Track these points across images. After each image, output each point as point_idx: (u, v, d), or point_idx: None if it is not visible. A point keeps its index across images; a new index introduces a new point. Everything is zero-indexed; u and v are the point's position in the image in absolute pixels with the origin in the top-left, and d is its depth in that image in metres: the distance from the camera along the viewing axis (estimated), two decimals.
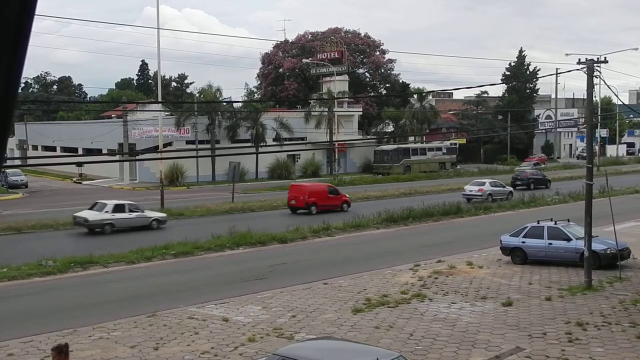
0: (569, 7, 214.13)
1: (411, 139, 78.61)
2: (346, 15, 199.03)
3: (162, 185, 44.36)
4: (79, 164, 59.71)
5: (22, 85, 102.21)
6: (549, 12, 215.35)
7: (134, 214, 33.28)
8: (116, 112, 74.36)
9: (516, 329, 16.28)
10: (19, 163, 57.76)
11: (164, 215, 35.20)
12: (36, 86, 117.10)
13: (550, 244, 24.06)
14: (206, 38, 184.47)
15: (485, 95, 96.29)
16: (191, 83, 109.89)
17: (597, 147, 78.60)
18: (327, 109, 66.58)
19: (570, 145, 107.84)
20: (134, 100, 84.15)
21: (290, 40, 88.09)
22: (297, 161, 68.09)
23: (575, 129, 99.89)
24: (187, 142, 60.43)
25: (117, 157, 59.33)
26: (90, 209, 33.30)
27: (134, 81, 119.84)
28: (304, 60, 79.45)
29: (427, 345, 15.12)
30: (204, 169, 60.90)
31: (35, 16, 1.59)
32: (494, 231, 28.93)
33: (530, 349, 14.83)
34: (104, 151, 61.98)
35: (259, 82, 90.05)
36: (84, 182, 62.12)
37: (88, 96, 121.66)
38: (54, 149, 75.75)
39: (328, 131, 65.12)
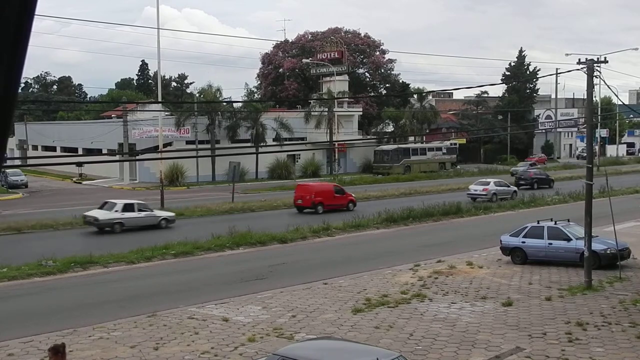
0: (569, 7, 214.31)
1: (411, 139, 78.61)
2: (346, 15, 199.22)
3: (162, 185, 44.37)
4: (79, 164, 59.72)
5: (22, 85, 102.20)
6: (549, 12, 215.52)
7: (143, 213, 33.66)
8: (116, 112, 74.36)
9: (516, 329, 16.28)
10: (19, 163, 57.78)
11: (172, 214, 35.51)
12: (36, 86, 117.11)
13: (550, 244, 24.05)
14: (206, 38, 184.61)
15: (485, 95, 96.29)
16: (191, 83, 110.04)
17: (597, 147, 78.61)
18: (327, 109, 66.59)
19: (570, 145, 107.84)
20: (134, 100, 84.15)
21: (290, 40, 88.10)
22: (297, 161, 68.09)
23: (575, 129, 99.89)
24: (187, 142, 60.44)
25: (117, 157, 59.34)
26: (100, 208, 33.64)
27: (134, 81, 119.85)
28: (304, 60, 79.46)
29: (427, 345, 15.12)
30: (204, 169, 60.90)
31: (35, 16, 1.59)
32: (494, 231, 28.93)
33: (530, 349, 14.82)
34: (104, 151, 61.98)
35: (259, 82, 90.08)
36: (84, 182, 62.13)
37: (88, 96, 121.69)
38: (54, 149, 75.75)
39: (328, 131, 65.13)
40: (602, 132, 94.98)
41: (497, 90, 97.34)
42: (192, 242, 27.85)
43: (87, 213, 33.46)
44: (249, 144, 59.34)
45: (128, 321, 17.08)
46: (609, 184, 27.56)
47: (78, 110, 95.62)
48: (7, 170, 53.02)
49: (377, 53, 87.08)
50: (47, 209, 41.46)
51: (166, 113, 59.15)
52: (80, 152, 69.51)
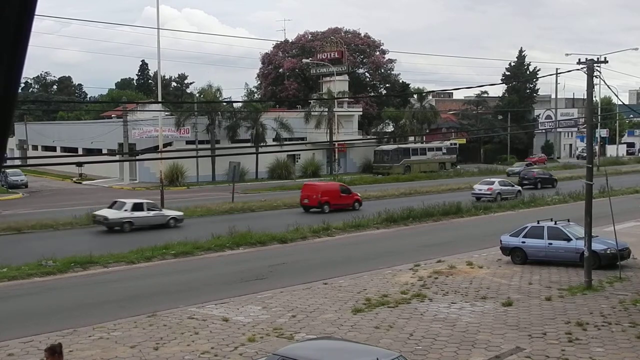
0: (569, 7, 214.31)
1: (411, 139, 78.61)
2: (346, 15, 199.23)
3: (162, 185, 44.36)
4: (79, 164, 59.72)
5: (22, 85, 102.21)
6: (549, 12, 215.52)
7: (152, 213, 33.96)
8: (116, 112, 74.36)
9: (516, 329, 16.28)
10: (19, 163, 57.78)
11: (181, 213, 35.71)
12: (36, 86, 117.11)
13: (550, 244, 24.06)
14: (206, 38, 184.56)
15: (485, 95, 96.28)
16: (191, 83, 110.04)
17: (597, 147, 78.59)
18: (327, 109, 66.59)
19: (570, 145, 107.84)
20: (134, 100, 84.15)
21: (290, 40, 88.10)
22: (297, 161, 68.09)
23: (575, 129, 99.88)
24: (187, 142, 60.44)
25: (117, 157, 59.33)
26: (110, 207, 33.90)
27: (134, 81, 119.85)
28: (304, 60, 79.45)
29: (427, 345, 15.12)
30: (204, 169, 60.91)
31: (35, 16, 1.59)
32: (494, 231, 28.93)
33: (530, 349, 14.83)
34: (104, 151, 61.98)
35: (259, 82, 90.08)
36: (84, 182, 62.13)
37: (88, 96, 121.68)
38: (54, 149, 75.74)
39: (328, 131, 65.12)
40: (602, 132, 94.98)
41: (497, 90, 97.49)
42: (192, 242, 27.85)
43: (96, 212, 33.73)
44: (249, 144, 59.34)
45: (128, 321, 17.08)
46: (609, 184, 27.57)
47: (78, 110, 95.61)
48: (7, 170, 53.01)
49: (377, 53, 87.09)
50: (47, 209, 41.46)
51: (166, 113, 59.15)
52: (80, 152, 69.50)
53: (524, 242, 24.54)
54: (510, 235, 25.10)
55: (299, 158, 68.34)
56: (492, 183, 47.63)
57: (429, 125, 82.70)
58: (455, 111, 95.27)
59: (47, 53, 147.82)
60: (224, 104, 62.68)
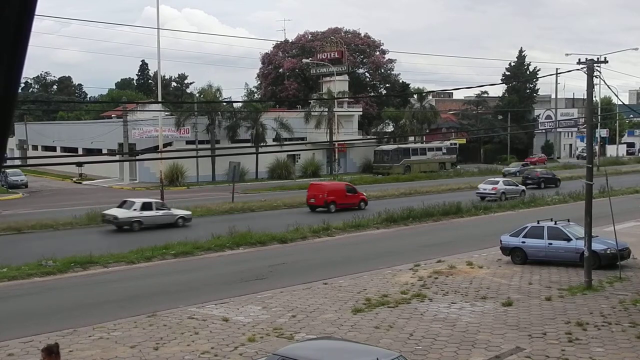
0: (569, 7, 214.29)
1: (411, 139, 78.61)
2: (346, 15, 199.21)
3: (162, 185, 44.38)
4: (79, 164, 59.73)
5: (22, 85, 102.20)
6: (549, 12, 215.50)
7: (161, 212, 34.23)
8: (116, 112, 74.37)
9: (516, 329, 16.28)
10: (19, 163, 57.78)
11: (189, 213, 35.91)
12: (36, 86, 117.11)
13: (550, 244, 24.05)
14: (206, 38, 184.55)
15: (485, 95, 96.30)
16: (191, 83, 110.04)
17: (597, 147, 78.56)
18: (327, 109, 66.59)
19: (570, 145, 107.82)
20: (134, 100, 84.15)
21: (290, 40, 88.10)
22: (297, 161, 68.09)
23: (575, 129, 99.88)
24: (187, 142, 60.44)
25: (117, 157, 59.33)
26: (119, 207, 34.15)
27: (134, 81, 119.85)
28: (304, 60, 79.46)
29: (427, 345, 15.12)
30: (204, 169, 60.91)
31: (35, 16, 1.59)
32: (494, 231, 28.93)
33: (530, 349, 14.82)
34: (104, 151, 61.99)
35: (259, 82, 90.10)
36: (84, 182, 62.13)
37: (88, 96, 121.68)
38: (54, 149, 75.75)
39: (328, 131, 65.13)
40: (602, 132, 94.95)
41: (497, 90, 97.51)
42: (192, 242, 27.85)
43: (106, 211, 34.02)
44: (249, 144, 59.34)
45: (128, 321, 17.08)
46: (609, 184, 27.56)
47: (78, 110, 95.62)
48: (7, 170, 53.02)
49: (377, 53, 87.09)
50: (47, 209, 41.46)
51: (166, 113, 59.15)
52: (80, 152, 69.51)
53: (524, 242, 24.54)
54: (510, 235, 25.10)
55: (299, 158, 68.34)
56: (497, 183, 48.13)
57: (429, 125, 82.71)
58: (455, 111, 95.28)
59: (47, 53, 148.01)
60: (224, 104, 62.69)
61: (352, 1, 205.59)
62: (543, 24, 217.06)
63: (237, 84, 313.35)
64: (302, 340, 14.55)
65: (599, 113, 78.10)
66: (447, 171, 72.08)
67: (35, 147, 78.32)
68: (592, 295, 19.64)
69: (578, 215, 25.47)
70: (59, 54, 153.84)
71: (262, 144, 60.13)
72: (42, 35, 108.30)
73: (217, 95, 64.57)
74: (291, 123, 63.87)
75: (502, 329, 16.27)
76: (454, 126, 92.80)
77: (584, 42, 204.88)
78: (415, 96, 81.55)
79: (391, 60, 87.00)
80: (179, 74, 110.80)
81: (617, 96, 57.20)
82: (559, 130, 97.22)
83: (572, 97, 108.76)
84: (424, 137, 78.01)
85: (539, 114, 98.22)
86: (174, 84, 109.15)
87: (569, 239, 23.77)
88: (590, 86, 21.39)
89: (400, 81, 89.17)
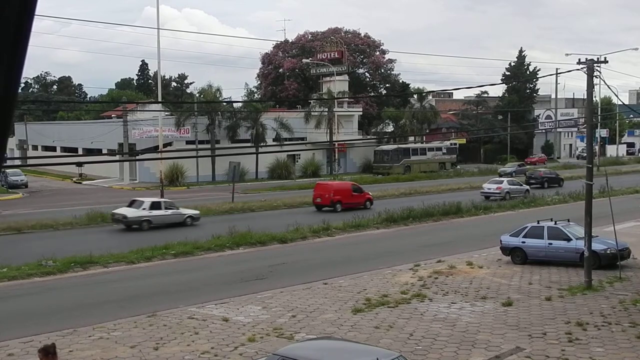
0: (569, 7, 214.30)
1: (411, 139, 78.61)
2: (346, 15, 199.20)
3: (162, 185, 44.42)
4: (79, 164, 59.73)
5: (22, 85, 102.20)
6: (549, 12, 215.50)
7: (169, 211, 34.56)
8: (116, 112, 74.37)
9: (516, 329, 16.28)
10: (19, 163, 57.78)
11: (197, 212, 36.16)
12: (36, 86, 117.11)
13: (550, 244, 24.05)
14: (206, 38, 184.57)
15: (485, 95, 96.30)
16: (191, 83, 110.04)
17: (597, 147, 78.55)
18: (327, 109, 66.59)
19: (570, 145, 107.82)
20: (134, 100, 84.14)
21: (290, 40, 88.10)
22: (297, 161, 68.10)
23: (575, 129, 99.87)
24: (187, 142, 60.44)
25: (117, 157, 59.33)
26: (129, 206, 34.49)
27: (134, 81, 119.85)
28: (304, 60, 79.46)
29: (427, 345, 15.12)
30: (204, 169, 60.90)
31: (35, 16, 1.59)
32: (494, 231, 28.93)
33: (530, 349, 14.82)
34: (104, 151, 61.99)
35: (259, 82, 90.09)
36: (84, 182, 62.14)
37: (88, 96, 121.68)
38: (54, 149, 75.75)
39: (328, 131, 65.12)
40: (602, 132, 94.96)
41: (497, 90, 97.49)
42: (192, 242, 27.86)
43: (115, 211, 34.33)
44: (249, 144, 59.34)
45: (128, 321, 17.08)
46: (609, 184, 27.56)
47: (78, 110, 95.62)
48: (7, 170, 53.02)
49: (377, 53, 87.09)
50: (47, 209, 41.46)
51: (166, 113, 59.16)
52: (80, 152, 69.50)
53: (524, 242, 24.54)
54: (510, 235, 25.10)
55: (299, 158, 68.34)
56: (501, 182, 48.61)
57: (429, 125, 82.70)
58: (455, 111, 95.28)
59: (47, 53, 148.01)
60: (224, 104, 62.69)
61: (352, 1, 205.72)
62: (543, 24, 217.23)
63: (237, 84, 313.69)
64: (302, 340, 14.55)
65: (599, 113, 78.09)
66: (447, 171, 72.07)
67: (35, 147, 78.32)
68: (592, 295, 19.64)
69: (578, 215, 25.47)
70: (59, 54, 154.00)
71: (262, 144, 60.13)
72: (42, 35, 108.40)
73: (217, 95, 64.56)
74: (291, 123, 63.87)
75: (502, 329, 16.27)
76: (454, 126, 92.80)
77: (584, 42, 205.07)
78: (415, 96, 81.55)
79: (391, 60, 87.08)
80: (179, 74, 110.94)
81: (617, 96, 57.27)
82: (559, 130, 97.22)
83: (572, 97, 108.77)
84: (424, 137, 78.00)
85: (539, 114, 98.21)
86: (174, 84, 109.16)
87: (569, 239, 23.77)
88: (590, 86, 21.39)
89: (400, 81, 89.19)
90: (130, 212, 33.64)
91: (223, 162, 55.17)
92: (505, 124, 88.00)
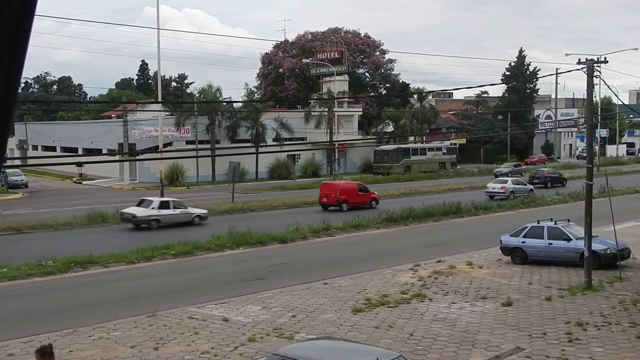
0: (569, 7, 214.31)
1: (411, 139, 78.61)
2: (346, 15, 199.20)
3: (162, 185, 44.41)
4: (79, 164, 59.74)
5: (22, 85, 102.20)
6: (549, 12, 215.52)
7: (178, 211, 34.89)
8: (116, 112, 74.37)
9: (516, 329, 16.27)
10: (19, 163, 57.79)
11: (205, 211, 36.42)
12: (36, 86, 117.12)
13: (550, 244, 24.05)
14: (206, 38, 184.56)
15: (485, 95, 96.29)
16: (191, 83, 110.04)
17: (597, 147, 78.53)
18: (327, 109, 66.59)
19: (570, 145, 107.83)
20: (134, 100, 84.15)
21: (290, 40, 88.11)
22: (297, 161, 68.10)
23: (575, 129, 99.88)
24: (187, 142, 60.44)
25: (117, 157, 59.34)
26: (138, 205, 34.81)
27: (134, 81, 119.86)
28: (304, 60, 79.46)
29: (427, 345, 15.12)
30: (204, 169, 60.90)
31: (35, 16, 1.59)
32: (494, 231, 28.93)
33: (530, 349, 14.82)
34: (104, 151, 61.99)
35: (259, 82, 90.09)
36: (84, 182, 62.14)
37: (88, 96, 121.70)
38: (54, 149, 75.75)
39: (328, 131, 65.12)
40: (602, 132, 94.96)
41: (497, 90, 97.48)
42: (192, 242, 27.86)
43: (124, 210, 34.68)
44: (249, 144, 59.34)
45: (128, 321, 17.08)
46: (609, 184, 27.57)
47: (78, 110, 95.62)
48: (7, 170, 53.03)
49: (377, 53, 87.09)
50: (47, 209, 41.46)
51: (166, 113, 59.15)
52: (80, 152, 69.51)
53: (524, 242, 24.54)
54: (510, 235, 25.09)
55: (299, 158, 68.35)
56: (506, 182, 48.92)
57: (429, 125, 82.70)
58: (455, 111, 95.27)
59: (47, 53, 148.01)
60: (224, 104, 62.69)
61: (352, 1, 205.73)
62: (543, 24, 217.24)
63: (237, 84, 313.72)
64: (302, 340, 14.55)
65: (599, 113, 78.08)
66: (447, 171, 72.06)
67: (35, 147, 78.32)
68: (592, 295, 19.64)
69: (578, 215, 25.46)
70: (59, 54, 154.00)
71: (262, 144, 60.13)
72: (42, 35, 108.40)
73: (217, 95, 64.56)
74: (291, 123, 63.87)
75: (502, 329, 16.27)
76: (454, 126, 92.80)
77: (584, 42, 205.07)
78: (415, 96, 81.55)
79: (391, 60, 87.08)
80: (179, 74, 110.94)
81: (617, 96, 57.29)
82: (559, 130, 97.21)
83: (572, 97, 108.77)
84: (424, 137, 78.00)
85: (539, 114, 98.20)
86: (174, 84, 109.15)
87: (569, 239, 23.77)
88: (590, 86, 21.39)
89: (400, 81, 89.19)
90: (139, 212, 33.95)
91: (223, 162, 55.17)
92: (505, 124, 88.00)
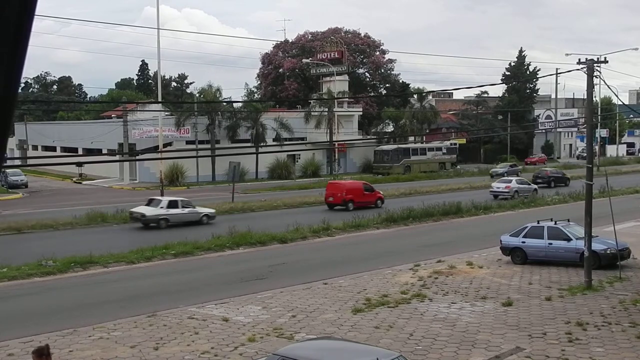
0: (569, 7, 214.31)
1: (411, 139, 78.61)
2: (346, 15, 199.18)
3: (162, 185, 44.43)
4: (79, 164, 59.73)
5: (22, 85, 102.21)
6: (549, 12, 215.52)
7: (186, 210, 35.17)
8: (116, 112, 74.38)
9: (516, 329, 16.28)
10: (19, 163, 57.77)
11: (213, 211, 36.59)
12: (36, 86, 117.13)
13: (550, 244, 24.05)
14: (206, 38, 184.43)
15: (485, 95, 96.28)
16: (191, 83, 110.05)
17: (597, 147, 78.52)
18: (327, 109, 66.59)
19: (570, 145, 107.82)
20: (134, 100, 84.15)
21: (290, 40, 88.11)
22: (297, 161, 68.10)
23: (575, 129, 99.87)
24: (187, 142, 60.44)
25: (117, 157, 59.34)
26: (147, 205, 35.05)
27: (134, 81, 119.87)
28: (304, 60, 79.46)
29: (427, 345, 15.12)
30: (204, 169, 60.90)
31: (35, 16, 1.59)
32: (494, 231, 28.93)
33: (530, 349, 14.82)
34: (104, 151, 61.98)
35: (259, 82, 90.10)
36: (84, 182, 62.14)
37: (88, 96, 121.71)
38: (54, 149, 75.75)
39: (328, 131, 65.13)
40: (602, 132, 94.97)
41: (497, 90, 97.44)
42: (192, 242, 27.86)
43: (133, 209, 34.96)
44: (249, 144, 59.34)
45: (128, 321, 17.08)
46: (609, 184, 27.57)
47: (78, 110, 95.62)
48: (7, 170, 53.02)
49: (377, 53, 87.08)
50: (47, 209, 41.46)
51: (166, 113, 59.15)
52: (80, 152, 69.51)
53: (524, 242, 24.54)
54: (510, 235, 25.09)
55: (299, 158, 68.35)
56: (510, 181, 49.20)
57: (429, 125, 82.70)
58: (455, 111, 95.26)
59: (47, 53, 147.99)
60: (224, 104, 62.68)
61: (352, 1, 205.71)
62: (543, 24, 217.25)
63: (237, 84, 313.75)
64: (302, 340, 14.55)
65: (599, 113, 78.09)
66: (447, 171, 72.05)
67: (35, 147, 78.32)
68: (592, 295, 19.64)
69: (578, 215, 25.47)
70: (59, 54, 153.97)
71: (262, 144, 60.13)
72: (42, 35, 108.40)
73: (217, 95, 64.57)
74: (291, 123, 63.87)
75: (502, 329, 16.27)
76: (454, 126, 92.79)
77: (584, 42, 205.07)
78: (415, 96, 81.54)
79: (391, 60, 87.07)
80: (179, 74, 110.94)
81: (617, 96, 57.31)
82: (559, 130, 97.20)
83: (572, 97, 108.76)
84: (424, 137, 77.99)
85: (539, 114, 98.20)
86: (174, 84, 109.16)
87: (569, 239, 23.77)
88: (590, 86, 21.39)
89: (400, 81, 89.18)
90: (148, 211, 34.18)
91: (223, 162, 55.17)
92: (505, 124, 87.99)
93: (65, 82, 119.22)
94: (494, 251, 25.99)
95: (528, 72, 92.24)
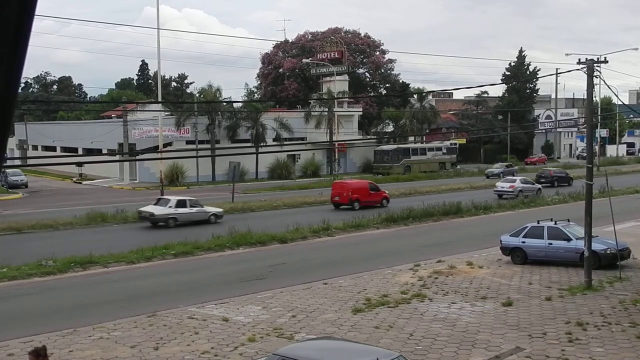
0: (569, 7, 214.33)
1: (411, 139, 78.61)
2: (346, 15, 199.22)
3: (162, 185, 44.44)
4: (79, 164, 59.73)
5: (22, 85, 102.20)
6: (549, 12, 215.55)
7: (194, 209, 35.39)
8: (116, 112, 74.37)
9: (516, 329, 16.28)
10: (19, 163, 57.79)
11: (220, 210, 36.79)
12: (36, 86, 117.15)
13: (550, 244, 24.05)
14: (206, 38, 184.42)
15: (485, 95, 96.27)
16: (191, 83, 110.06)
17: (597, 147, 78.52)
18: (327, 109, 66.59)
19: (570, 145, 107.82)
20: (134, 100, 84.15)
21: (290, 40, 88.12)
22: (297, 161, 68.10)
23: (575, 129, 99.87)
24: (187, 142, 60.44)
25: (117, 157, 59.34)
26: (155, 204, 35.34)
27: (134, 81, 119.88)
28: (304, 60, 79.46)
29: (427, 345, 15.12)
30: (204, 169, 60.90)
31: (35, 16, 1.59)
32: (494, 231, 28.93)
33: (530, 349, 14.82)
34: (104, 151, 61.98)
35: (259, 82, 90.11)
36: (84, 182, 62.14)
37: (88, 96, 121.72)
38: (54, 149, 75.75)
39: (328, 131, 65.13)
40: (602, 132, 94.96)
41: (497, 90, 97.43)
42: (192, 242, 27.86)
43: (142, 208, 35.23)
44: (249, 144, 59.33)
45: (128, 321, 17.08)
46: (609, 184, 27.57)
47: (78, 110, 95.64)
48: (7, 170, 53.01)
49: (377, 53, 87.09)
50: (47, 209, 41.46)
51: (166, 113, 59.15)
52: (80, 152, 69.51)
53: (524, 242, 24.54)
54: (510, 235, 25.09)
55: (299, 158, 68.35)
56: (514, 181, 49.44)
57: (429, 125, 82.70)
58: (455, 111, 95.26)
59: (47, 53, 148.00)
60: (224, 104, 62.67)
61: (352, 1, 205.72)
62: (543, 24, 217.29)
63: (237, 84, 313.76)
64: (302, 340, 14.55)
65: (599, 113, 78.09)
66: (447, 171, 72.04)
67: (35, 147, 78.32)
68: (592, 295, 19.64)
69: (578, 215, 25.47)
70: (59, 54, 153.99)
71: (262, 144, 60.12)
72: (42, 35, 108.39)
73: (217, 95, 64.58)
74: (291, 123, 63.87)
75: (502, 329, 16.27)
76: (454, 126, 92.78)
77: (584, 42, 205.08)
78: (415, 96, 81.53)
79: (391, 60, 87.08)
80: (179, 74, 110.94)
81: (617, 96, 57.46)
82: (559, 130, 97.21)
83: (572, 97, 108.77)
84: (424, 137, 77.99)
85: (539, 114, 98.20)
86: (174, 84, 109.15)
87: (569, 239, 23.77)
88: (590, 86, 21.39)
89: (400, 81, 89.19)
90: (157, 210, 34.38)
91: (223, 162, 55.17)
92: (505, 124, 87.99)
93: (65, 82, 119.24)
94: (494, 251, 25.99)
95: (528, 72, 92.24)
